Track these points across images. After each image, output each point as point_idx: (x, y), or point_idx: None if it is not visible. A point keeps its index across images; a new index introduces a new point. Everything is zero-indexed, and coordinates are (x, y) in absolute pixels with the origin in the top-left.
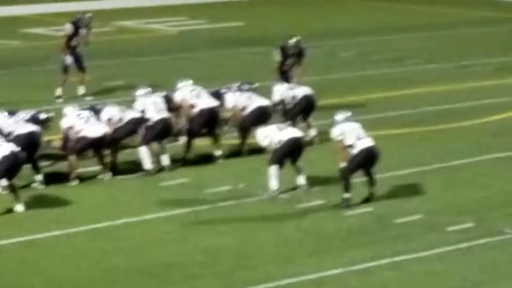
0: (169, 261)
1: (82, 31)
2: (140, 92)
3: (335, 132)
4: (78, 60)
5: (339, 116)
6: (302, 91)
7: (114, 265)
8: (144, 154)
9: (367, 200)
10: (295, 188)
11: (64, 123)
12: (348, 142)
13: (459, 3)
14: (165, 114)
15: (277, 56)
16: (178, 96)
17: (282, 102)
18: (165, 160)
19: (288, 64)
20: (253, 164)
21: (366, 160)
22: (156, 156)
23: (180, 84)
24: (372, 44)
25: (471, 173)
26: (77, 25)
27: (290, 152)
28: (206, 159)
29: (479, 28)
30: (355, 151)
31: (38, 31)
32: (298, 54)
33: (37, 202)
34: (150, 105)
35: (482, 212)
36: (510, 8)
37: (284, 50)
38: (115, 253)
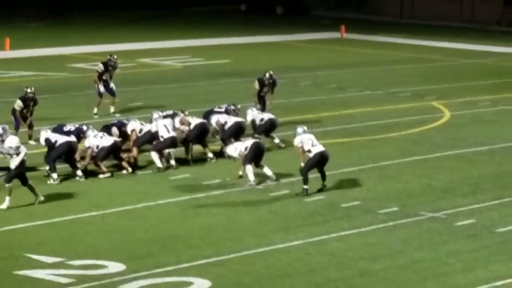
0: (175, 234)
1: (110, 68)
2: (155, 116)
3: (296, 141)
4: (107, 88)
5: (299, 129)
6: (268, 115)
7: (136, 237)
8: (154, 157)
9: (320, 190)
10: (265, 181)
11: (86, 143)
12: (306, 147)
13: (387, 47)
14: (172, 133)
15: (256, 86)
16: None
17: (253, 122)
18: (172, 161)
19: (264, 91)
20: (236, 164)
21: (320, 161)
22: (165, 158)
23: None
24: (324, 77)
25: (396, 171)
26: (106, 64)
27: (256, 154)
28: (202, 160)
29: (401, 65)
30: (311, 154)
31: (80, 66)
32: (272, 84)
33: (79, 191)
34: (161, 126)
35: (404, 199)
36: (423, 50)
37: (261, 81)
38: (137, 229)
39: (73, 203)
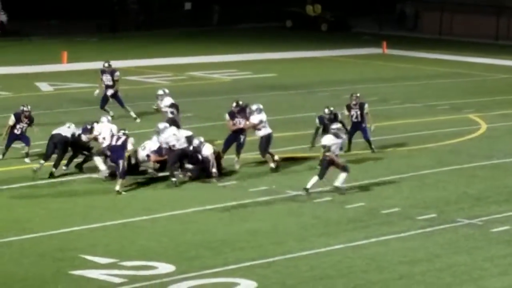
0: (222, 238)
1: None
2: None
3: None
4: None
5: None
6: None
7: (185, 240)
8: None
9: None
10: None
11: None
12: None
13: (427, 62)
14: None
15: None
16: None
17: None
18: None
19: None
20: (282, 172)
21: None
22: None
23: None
24: (365, 90)
25: (434, 180)
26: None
27: None
28: (249, 168)
29: (440, 79)
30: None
31: (133, 78)
32: (334, 119)
33: (131, 196)
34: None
35: (441, 206)
36: (461, 65)
37: (321, 119)
38: (186, 232)
39: (125, 208)
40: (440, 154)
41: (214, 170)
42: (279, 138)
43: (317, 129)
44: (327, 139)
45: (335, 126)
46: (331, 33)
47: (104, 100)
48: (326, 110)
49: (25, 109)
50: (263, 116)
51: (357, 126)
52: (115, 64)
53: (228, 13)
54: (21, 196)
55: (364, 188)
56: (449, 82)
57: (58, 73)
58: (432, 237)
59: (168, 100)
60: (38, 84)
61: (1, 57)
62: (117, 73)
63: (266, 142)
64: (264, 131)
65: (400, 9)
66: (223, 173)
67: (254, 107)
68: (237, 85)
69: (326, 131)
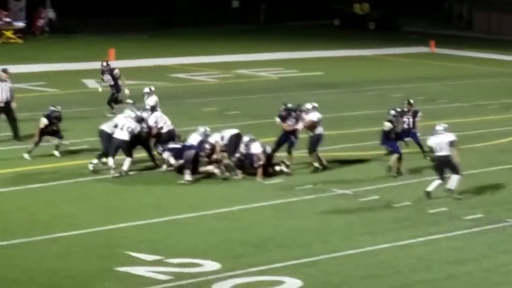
0: (268, 236)
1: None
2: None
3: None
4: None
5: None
6: None
7: (231, 238)
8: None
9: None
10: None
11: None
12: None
13: (475, 61)
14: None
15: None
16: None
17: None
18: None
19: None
20: (328, 170)
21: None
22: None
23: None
24: (413, 89)
25: (482, 180)
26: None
27: None
28: (295, 167)
29: (488, 79)
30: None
31: (181, 76)
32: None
33: (177, 193)
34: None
35: (489, 206)
36: (510, 65)
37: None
38: (232, 230)
39: (171, 205)
40: (488, 154)
41: (260, 169)
42: (325, 137)
43: (388, 132)
44: (433, 140)
45: (439, 127)
46: (379, 31)
47: (113, 100)
48: (393, 112)
49: (54, 109)
50: (319, 115)
51: (408, 133)
52: (162, 61)
53: (276, 11)
54: (67, 192)
55: (411, 187)
56: (497, 82)
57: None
58: (479, 237)
59: (152, 100)
60: (85, 81)
61: (49, 54)
62: (116, 71)
63: (316, 141)
64: (317, 130)
65: (448, 8)
66: (271, 172)
67: (308, 105)
68: (284, 83)
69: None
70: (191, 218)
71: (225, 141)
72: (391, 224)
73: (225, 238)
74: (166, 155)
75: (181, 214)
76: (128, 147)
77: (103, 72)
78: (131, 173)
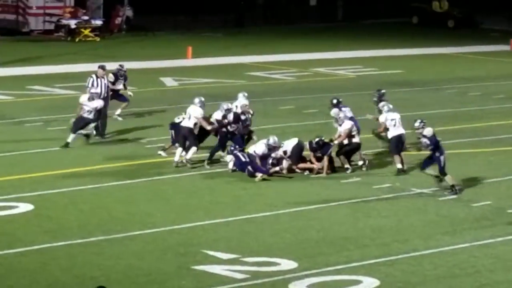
0: (346, 235)
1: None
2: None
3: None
4: (120, 97)
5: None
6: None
7: (308, 237)
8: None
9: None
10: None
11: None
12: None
13: None
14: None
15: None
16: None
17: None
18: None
19: None
20: (406, 169)
21: None
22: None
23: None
24: (492, 87)
25: None
26: (116, 75)
27: None
28: (372, 165)
29: None
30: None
31: (258, 74)
32: None
33: (254, 192)
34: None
35: None
36: None
37: None
38: (309, 229)
39: (249, 203)
40: None
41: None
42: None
43: None
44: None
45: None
46: (458, 29)
47: (121, 99)
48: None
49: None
50: (393, 115)
51: None
52: (239, 59)
53: (353, 8)
54: (144, 190)
55: (491, 186)
56: None
57: (183, 68)
58: None
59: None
60: (163, 79)
61: (126, 52)
62: (110, 76)
63: (396, 142)
64: (394, 131)
65: None
66: (348, 169)
67: (383, 106)
68: (362, 81)
69: None
70: (268, 216)
71: (288, 153)
72: (470, 224)
73: (302, 237)
74: (228, 158)
75: (258, 212)
76: (192, 135)
77: (123, 77)
78: (207, 170)
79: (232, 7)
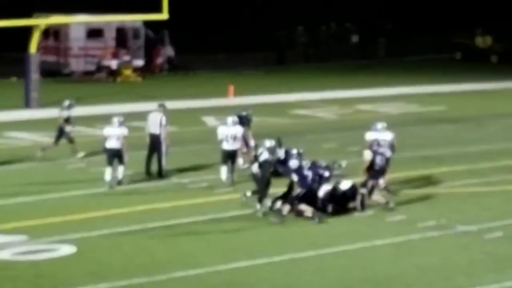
0: (390, 274)
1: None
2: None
3: None
4: None
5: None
6: None
7: (351, 276)
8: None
9: None
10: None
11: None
12: None
13: None
14: None
15: None
16: None
17: None
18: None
19: None
20: (451, 207)
21: None
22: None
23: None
24: None
25: None
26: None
27: None
28: (418, 201)
29: None
30: None
31: (302, 112)
32: None
33: (297, 230)
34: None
35: None
36: None
37: None
38: (353, 268)
39: (291, 242)
40: None
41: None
42: (448, 173)
43: None
44: None
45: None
46: (502, 65)
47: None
48: None
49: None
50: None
51: None
52: (281, 97)
53: (395, 45)
54: (185, 230)
55: None
56: None
57: (225, 107)
58: None
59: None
60: (204, 118)
61: (168, 91)
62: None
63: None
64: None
65: None
66: (391, 208)
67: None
68: (404, 118)
69: None
70: (311, 256)
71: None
72: None
73: (345, 276)
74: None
75: (301, 251)
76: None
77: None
78: (246, 211)
79: (273, 45)
